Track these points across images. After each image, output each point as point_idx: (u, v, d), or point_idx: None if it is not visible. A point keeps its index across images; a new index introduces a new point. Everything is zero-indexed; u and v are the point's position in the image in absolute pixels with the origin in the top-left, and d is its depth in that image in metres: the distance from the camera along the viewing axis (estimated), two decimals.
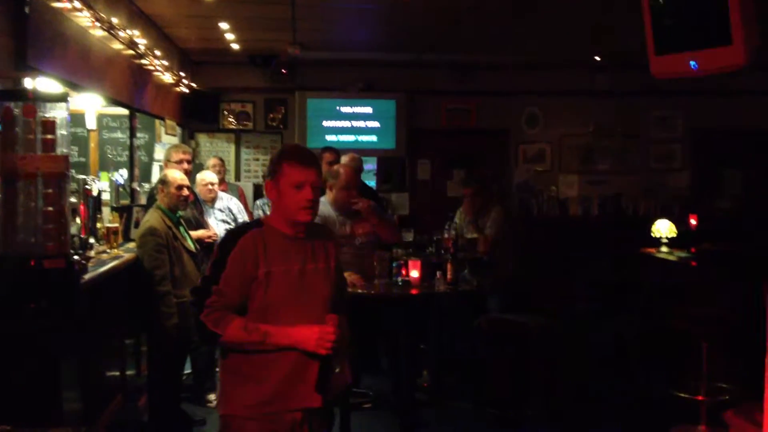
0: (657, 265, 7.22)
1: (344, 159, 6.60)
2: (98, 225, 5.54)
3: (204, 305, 2.81)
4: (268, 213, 3.12)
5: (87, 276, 4.22)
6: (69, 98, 4.03)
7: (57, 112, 3.84)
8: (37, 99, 3.78)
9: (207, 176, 6.76)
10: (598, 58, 9.53)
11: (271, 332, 2.82)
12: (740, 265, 6.44)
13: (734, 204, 10.28)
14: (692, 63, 3.30)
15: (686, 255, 7.03)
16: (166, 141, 8.11)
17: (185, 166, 6.24)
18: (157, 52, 6.80)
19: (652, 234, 7.58)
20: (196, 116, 9.57)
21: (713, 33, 3.18)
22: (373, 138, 10.10)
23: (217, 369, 3.06)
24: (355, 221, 5.37)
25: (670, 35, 3.44)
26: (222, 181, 7.68)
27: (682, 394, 5.70)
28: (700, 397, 5.56)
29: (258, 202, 7.41)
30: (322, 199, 5.43)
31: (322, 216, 5.24)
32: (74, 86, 4.97)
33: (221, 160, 8.05)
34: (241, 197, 8.08)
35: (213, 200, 6.73)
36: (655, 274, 7.23)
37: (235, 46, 8.54)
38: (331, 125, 10.06)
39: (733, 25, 3.06)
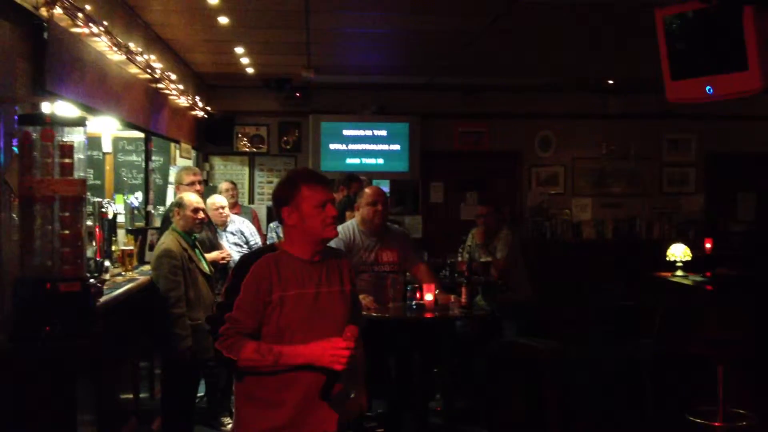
0: (672, 289, 7.18)
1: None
2: (113, 248, 5.56)
3: (219, 333, 2.82)
4: (282, 236, 3.13)
5: (102, 299, 4.24)
6: (86, 122, 4.07)
7: (75, 136, 3.87)
8: (55, 123, 3.81)
9: (218, 200, 6.77)
10: (610, 81, 9.54)
11: (285, 352, 2.82)
12: (756, 288, 6.40)
13: (749, 227, 10.22)
14: (708, 88, 3.30)
15: (701, 279, 6.99)
16: (180, 164, 8.15)
17: (197, 187, 6.27)
18: (173, 76, 6.86)
19: (667, 258, 7.55)
20: (210, 139, 9.63)
21: (729, 58, 3.18)
22: (386, 161, 10.12)
23: (232, 392, 3.06)
24: (381, 248, 5.37)
25: (686, 61, 3.44)
26: (235, 204, 7.71)
27: (699, 420, 5.65)
28: (717, 423, 5.51)
29: (272, 224, 7.43)
30: (349, 223, 5.46)
31: (348, 241, 5.26)
32: (91, 110, 5.02)
33: (233, 183, 8.07)
34: (255, 220, 8.10)
35: (224, 224, 6.75)
36: (670, 298, 7.18)
37: (250, 70, 8.60)
38: (344, 148, 10.09)
39: (749, 51, 3.06)
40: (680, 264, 7.45)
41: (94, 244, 4.98)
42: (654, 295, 7.60)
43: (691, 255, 7.52)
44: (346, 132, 10.10)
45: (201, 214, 5.41)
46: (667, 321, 6.99)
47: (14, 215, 3.68)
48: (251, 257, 2.98)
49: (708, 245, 8.18)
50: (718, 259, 7.84)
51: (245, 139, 10.09)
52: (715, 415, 5.59)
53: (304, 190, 2.92)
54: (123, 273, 5.40)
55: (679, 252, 7.53)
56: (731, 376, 5.64)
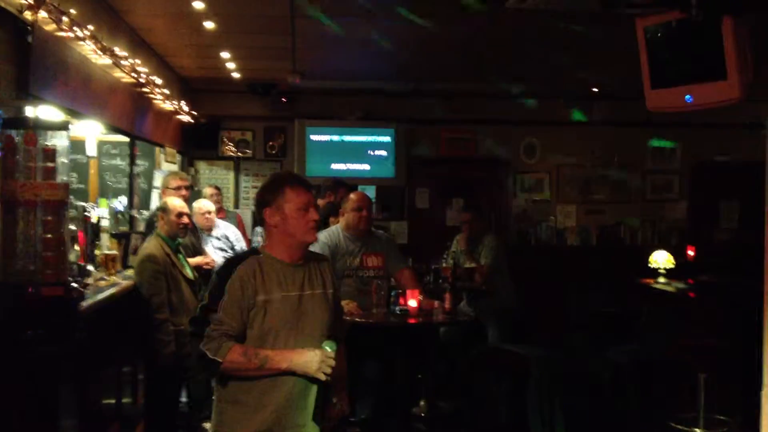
0: (655, 295, 7.22)
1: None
2: (97, 252, 5.55)
3: (203, 334, 2.82)
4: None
5: (85, 303, 4.23)
6: (70, 126, 4.07)
7: (58, 140, 3.87)
8: (38, 127, 3.81)
9: (204, 205, 6.78)
10: (595, 89, 9.60)
11: (271, 357, 2.84)
12: (737, 296, 6.44)
13: (731, 235, 10.29)
14: (687, 97, 3.34)
15: (684, 286, 7.04)
16: (165, 168, 8.14)
17: (183, 192, 6.27)
18: (158, 81, 6.84)
19: (649, 265, 7.59)
20: (196, 144, 9.61)
21: (708, 68, 3.22)
22: (372, 167, 10.13)
23: (214, 397, 3.07)
24: (366, 253, 5.39)
25: (666, 70, 3.48)
26: (220, 209, 7.71)
27: (680, 426, 5.68)
28: (698, 429, 5.54)
29: (258, 229, 7.42)
30: (334, 228, 5.47)
31: (332, 246, 5.27)
32: (75, 114, 5.00)
33: (218, 188, 8.08)
34: (240, 225, 8.10)
35: (210, 228, 6.75)
36: (653, 305, 7.22)
37: (236, 75, 8.60)
38: (330, 153, 10.09)
39: (728, 61, 3.10)
40: (663, 271, 7.50)
41: (77, 248, 4.96)
42: (637, 302, 7.65)
43: (674, 262, 7.57)
44: (332, 137, 10.10)
45: (185, 219, 5.41)
46: (649, 327, 7.03)
47: None
48: (235, 260, 3.00)
49: (691, 252, 8.24)
50: (701, 266, 7.89)
51: (231, 143, 10.07)
52: (696, 421, 5.63)
53: (288, 191, 2.95)
54: (106, 277, 5.38)
55: (661, 259, 7.57)
56: (712, 382, 5.68)
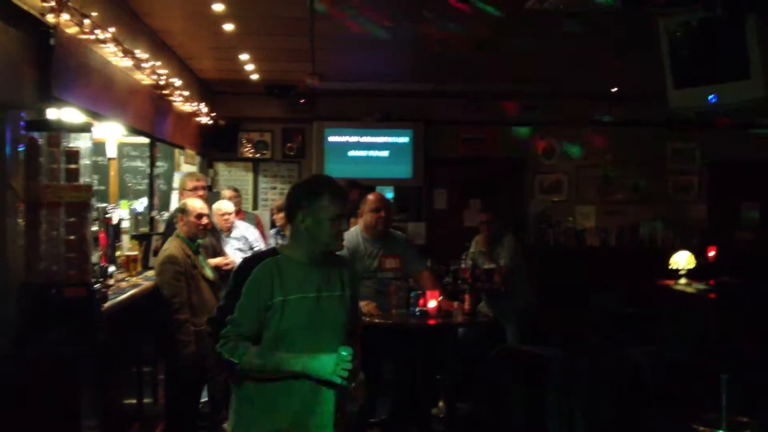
0: (675, 296, 7.17)
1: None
2: (118, 253, 5.58)
3: (219, 335, 2.83)
4: (281, 242, 3.16)
5: (107, 304, 4.26)
6: (92, 128, 4.09)
7: (80, 142, 3.90)
8: (61, 129, 3.83)
9: (223, 206, 6.81)
10: (614, 89, 9.54)
11: (286, 359, 2.84)
12: (759, 297, 6.39)
13: (753, 236, 10.20)
14: (711, 97, 3.31)
15: (705, 287, 6.98)
16: (185, 170, 8.18)
17: (200, 193, 6.31)
18: (178, 83, 6.88)
19: (670, 266, 7.54)
20: (215, 145, 9.67)
21: (732, 67, 3.19)
22: (390, 167, 10.12)
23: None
24: (384, 254, 5.39)
25: (689, 69, 3.45)
26: (239, 211, 7.73)
27: (702, 428, 5.63)
28: (720, 431, 5.49)
29: (272, 231, 7.43)
30: (353, 230, 5.48)
31: (352, 248, 5.28)
32: (97, 116, 5.03)
33: (236, 190, 8.11)
34: (258, 226, 8.12)
35: (229, 230, 6.78)
36: (673, 306, 7.17)
37: (255, 77, 8.63)
38: (348, 154, 10.10)
39: (752, 59, 3.07)
40: (684, 272, 7.44)
41: (98, 249, 5.00)
42: (657, 303, 7.60)
43: (695, 263, 7.51)
44: (349, 138, 10.11)
45: (204, 220, 5.43)
46: (669, 328, 6.99)
47: (20, 220, 3.70)
48: (253, 261, 2.99)
49: (711, 253, 8.17)
50: (721, 267, 7.83)
51: (249, 145, 10.11)
52: (719, 423, 5.58)
53: (326, 200, 2.93)
54: (127, 278, 5.42)
55: (682, 260, 7.51)
56: (735, 384, 5.63)
